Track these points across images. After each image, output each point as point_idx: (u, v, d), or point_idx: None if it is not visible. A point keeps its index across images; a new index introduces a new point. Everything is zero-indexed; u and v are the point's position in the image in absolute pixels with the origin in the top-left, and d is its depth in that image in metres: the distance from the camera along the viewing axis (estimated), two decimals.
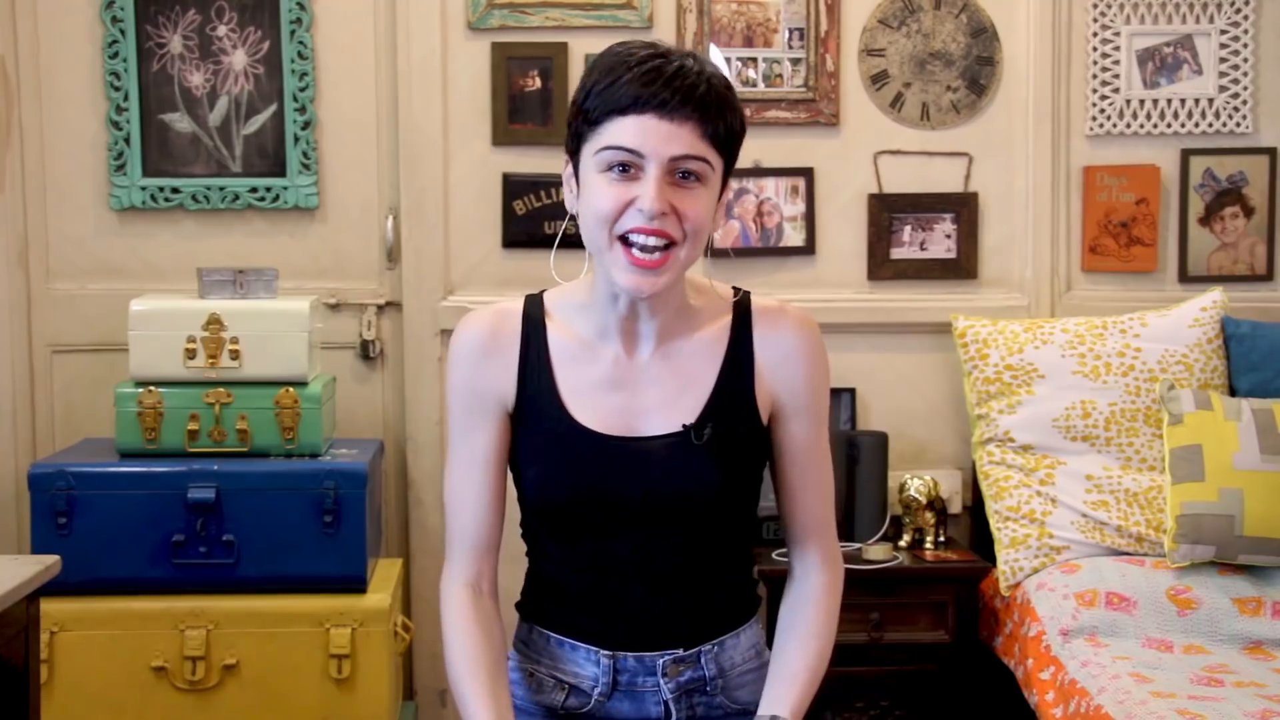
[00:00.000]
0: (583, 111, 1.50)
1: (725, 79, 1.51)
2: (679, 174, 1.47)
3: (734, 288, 1.66)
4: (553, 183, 3.23)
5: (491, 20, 3.27)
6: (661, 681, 1.60)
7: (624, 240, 1.48)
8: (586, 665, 1.61)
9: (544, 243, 1.65)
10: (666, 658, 1.60)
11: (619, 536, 1.57)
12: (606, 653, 1.60)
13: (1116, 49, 3.34)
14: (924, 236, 3.34)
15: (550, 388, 1.58)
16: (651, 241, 1.47)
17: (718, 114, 1.48)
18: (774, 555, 2.94)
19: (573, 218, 1.57)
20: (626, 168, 1.47)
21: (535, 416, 1.58)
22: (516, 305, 1.63)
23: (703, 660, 1.62)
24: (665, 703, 1.61)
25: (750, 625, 1.68)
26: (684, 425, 1.55)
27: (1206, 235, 3.39)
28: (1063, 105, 3.35)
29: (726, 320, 1.62)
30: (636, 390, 1.58)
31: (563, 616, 1.63)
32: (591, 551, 1.58)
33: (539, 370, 1.59)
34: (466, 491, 1.61)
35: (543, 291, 1.66)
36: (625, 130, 1.45)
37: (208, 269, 2.99)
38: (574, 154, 1.54)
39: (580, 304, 1.61)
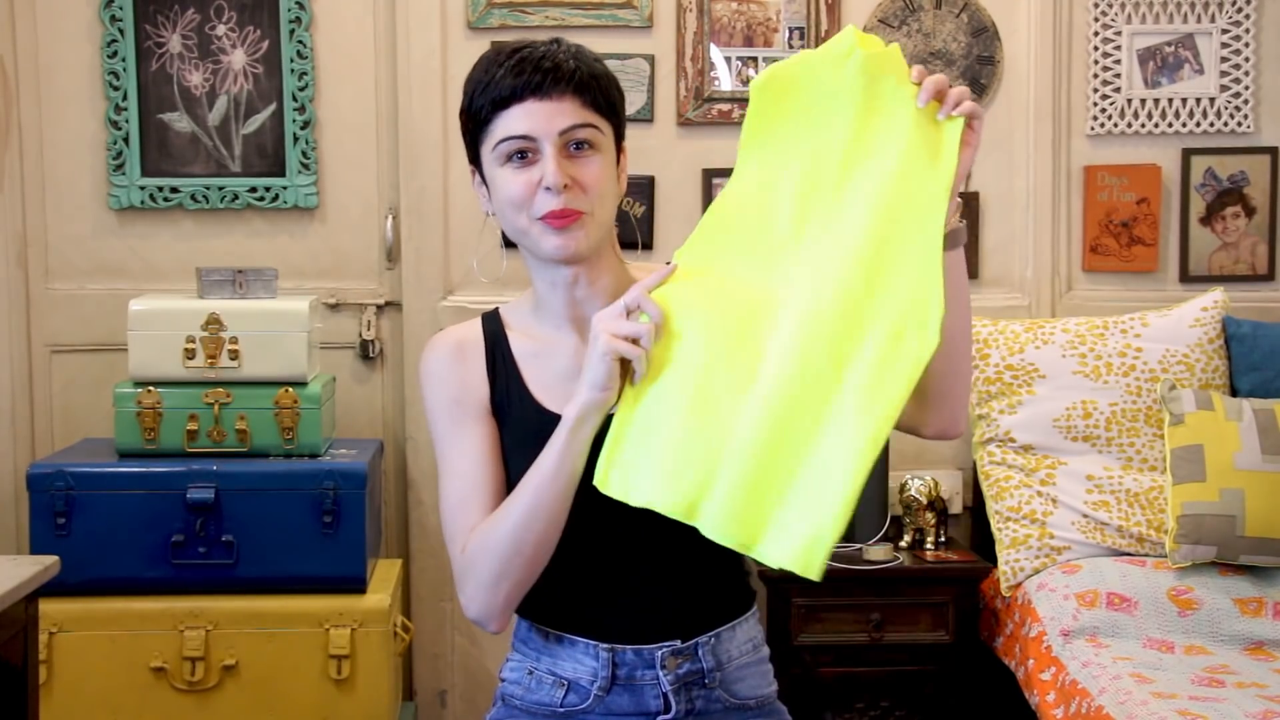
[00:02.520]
0: (471, 116, 1.59)
1: (594, 54, 1.60)
2: (572, 145, 1.55)
3: (668, 262, 1.68)
4: None
5: (491, 20, 3.26)
6: (660, 674, 1.60)
7: (541, 220, 1.56)
8: (585, 660, 1.62)
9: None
10: (664, 650, 1.60)
11: (605, 522, 1.57)
12: (605, 646, 1.61)
13: (1117, 48, 3.34)
14: None
15: (520, 386, 1.62)
16: (564, 218, 1.55)
17: (593, 83, 1.56)
18: None
19: (491, 216, 1.65)
20: (524, 154, 1.55)
21: (511, 416, 1.62)
22: (474, 323, 1.69)
23: (700, 653, 1.62)
24: (664, 695, 1.61)
25: (747, 619, 1.69)
26: None
27: (1207, 235, 3.38)
28: (1063, 105, 3.34)
29: None
30: None
31: (560, 611, 1.63)
32: (582, 541, 1.58)
33: (507, 373, 1.63)
34: (472, 489, 1.58)
35: (496, 309, 1.72)
36: (512, 120, 1.55)
37: (207, 269, 2.99)
38: (475, 160, 1.63)
39: (530, 309, 1.68)
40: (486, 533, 1.54)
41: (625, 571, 1.60)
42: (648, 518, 1.56)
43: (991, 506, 3.03)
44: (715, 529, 1.42)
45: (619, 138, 1.62)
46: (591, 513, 1.56)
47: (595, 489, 1.54)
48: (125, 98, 3.22)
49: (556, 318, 1.64)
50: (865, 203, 1.46)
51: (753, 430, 1.42)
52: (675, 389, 1.46)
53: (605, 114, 1.58)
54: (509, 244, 1.67)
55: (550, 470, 1.50)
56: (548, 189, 1.53)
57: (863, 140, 1.47)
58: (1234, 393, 3.06)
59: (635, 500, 1.45)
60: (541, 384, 1.62)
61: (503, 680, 1.70)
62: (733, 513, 1.41)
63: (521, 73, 1.54)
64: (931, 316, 1.42)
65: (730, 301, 1.48)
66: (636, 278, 1.64)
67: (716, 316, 1.47)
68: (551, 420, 1.56)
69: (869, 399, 1.41)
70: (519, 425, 1.60)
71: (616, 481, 1.46)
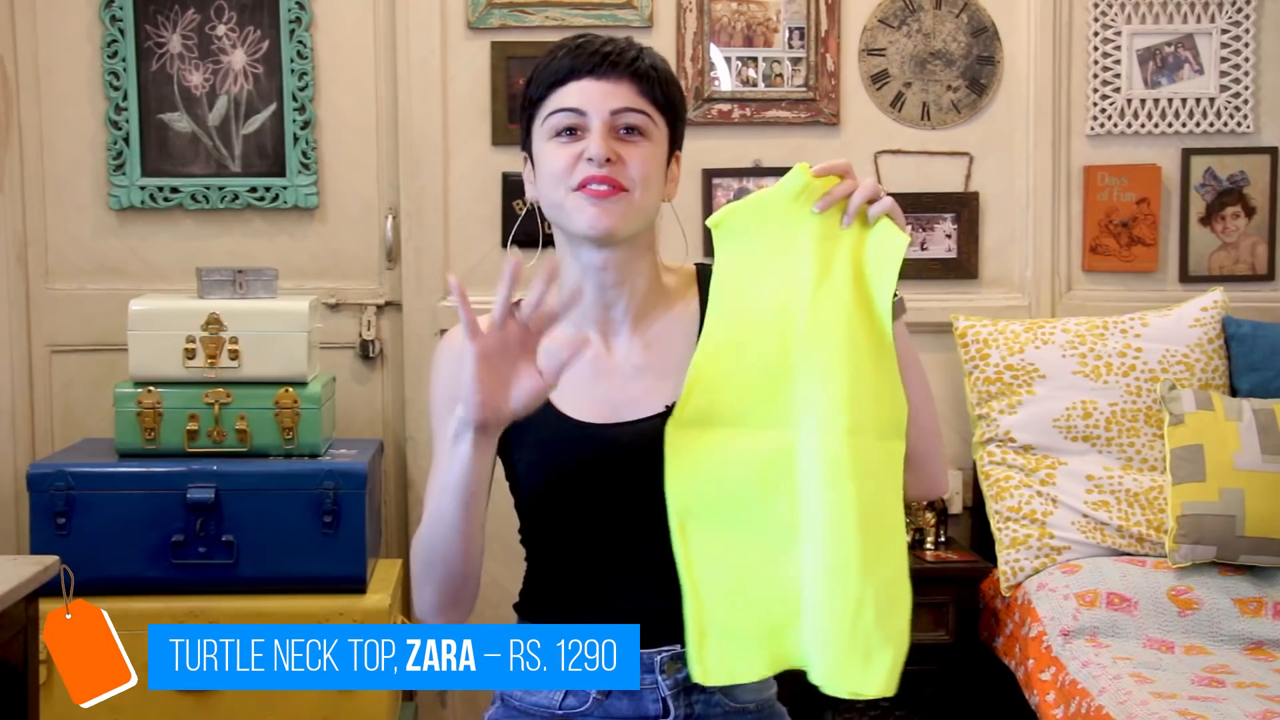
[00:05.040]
0: (528, 98, 1.59)
1: (661, 57, 1.61)
2: (622, 129, 1.54)
3: (696, 263, 1.68)
4: None
5: (491, 20, 3.26)
6: (660, 679, 1.60)
7: (578, 190, 1.54)
8: None
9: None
10: (664, 654, 1.59)
11: (612, 525, 1.56)
12: None
13: (1117, 48, 3.34)
14: (924, 236, 3.34)
15: None
16: (604, 188, 1.53)
17: (653, 76, 1.56)
18: None
19: (530, 212, 1.64)
20: (573, 130, 1.54)
21: (524, 421, 1.56)
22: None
23: None
24: (663, 700, 1.60)
25: None
26: (666, 405, 1.55)
27: (1207, 235, 3.38)
28: (1063, 105, 3.34)
29: (693, 292, 1.65)
30: (619, 378, 1.60)
31: (560, 614, 1.62)
32: (587, 545, 1.58)
33: None
34: None
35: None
36: (567, 95, 1.54)
37: (207, 269, 2.99)
38: (527, 146, 1.61)
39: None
40: (414, 539, 1.57)
41: (626, 577, 1.59)
42: (648, 522, 1.56)
43: (991, 506, 3.03)
44: (830, 686, 1.46)
45: (673, 142, 1.60)
46: (591, 519, 1.56)
47: (593, 494, 1.54)
48: (125, 98, 3.22)
49: (581, 315, 1.60)
50: (835, 326, 1.49)
51: (820, 578, 1.47)
52: (727, 560, 1.50)
53: (661, 109, 1.57)
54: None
55: (440, 484, 1.50)
56: (590, 159, 1.52)
57: (825, 270, 1.51)
58: (1234, 393, 3.06)
59: (745, 679, 1.51)
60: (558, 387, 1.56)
61: None
62: (836, 664, 1.46)
63: (583, 54, 1.55)
64: (902, 418, 1.50)
65: (745, 457, 1.50)
66: (665, 280, 1.63)
67: (736, 479, 1.50)
68: (571, 426, 1.56)
69: (890, 509, 1.48)
70: (529, 427, 1.55)
71: (716, 671, 1.50)
